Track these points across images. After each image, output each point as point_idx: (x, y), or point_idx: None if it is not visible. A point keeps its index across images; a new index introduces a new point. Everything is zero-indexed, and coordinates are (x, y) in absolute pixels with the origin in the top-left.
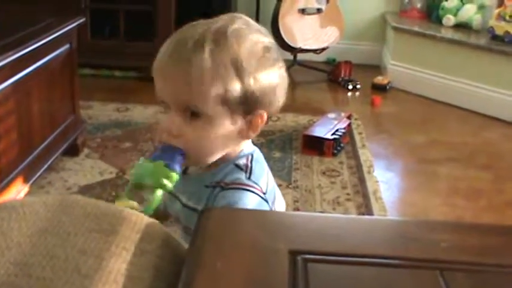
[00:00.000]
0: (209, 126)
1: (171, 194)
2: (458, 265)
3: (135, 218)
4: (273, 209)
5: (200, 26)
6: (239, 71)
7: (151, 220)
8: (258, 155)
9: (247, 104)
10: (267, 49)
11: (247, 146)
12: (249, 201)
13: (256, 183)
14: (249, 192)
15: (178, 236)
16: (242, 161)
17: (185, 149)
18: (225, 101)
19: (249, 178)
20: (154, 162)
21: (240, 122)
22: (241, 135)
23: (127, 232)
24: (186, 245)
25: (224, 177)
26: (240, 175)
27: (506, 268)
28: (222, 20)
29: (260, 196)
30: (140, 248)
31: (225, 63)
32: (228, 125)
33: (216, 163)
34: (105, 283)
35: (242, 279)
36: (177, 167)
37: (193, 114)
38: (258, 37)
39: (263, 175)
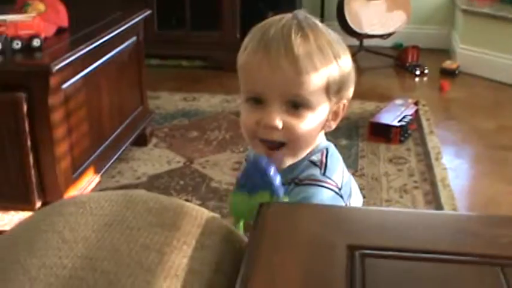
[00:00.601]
0: (312, 115)
1: None
2: None
3: (196, 213)
4: (348, 203)
5: (285, 21)
6: (337, 60)
7: (212, 215)
8: (333, 149)
9: (340, 90)
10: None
11: (322, 141)
12: (324, 196)
13: (330, 179)
14: (323, 188)
15: None
16: (317, 157)
17: (289, 141)
18: (327, 88)
19: (324, 174)
20: (258, 195)
21: (330, 112)
22: (325, 125)
23: (188, 227)
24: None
25: (299, 173)
26: (315, 171)
27: None
28: (295, 13)
29: (335, 191)
30: (201, 242)
31: (327, 52)
32: (324, 114)
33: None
34: (167, 277)
35: (299, 274)
36: (281, 192)
37: (295, 105)
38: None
39: (338, 170)
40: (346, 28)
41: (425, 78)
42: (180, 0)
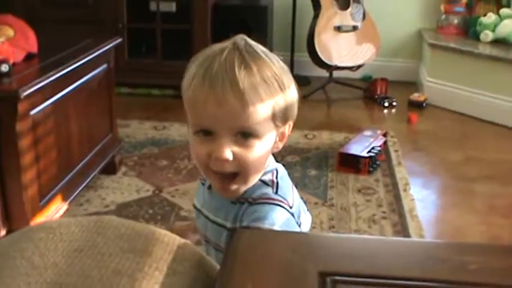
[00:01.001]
0: (260, 143)
1: (197, 211)
2: (487, 287)
3: (167, 239)
4: (299, 222)
5: (223, 51)
6: (281, 87)
7: (184, 241)
8: (283, 170)
9: (286, 116)
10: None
11: (271, 162)
12: (278, 215)
13: (283, 198)
14: (277, 207)
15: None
16: (268, 177)
17: (240, 170)
18: (273, 116)
19: (276, 193)
20: None
21: (277, 135)
22: (273, 147)
23: (160, 253)
24: (217, 263)
25: (251, 193)
26: (267, 190)
27: None
28: (236, 40)
29: (288, 210)
30: (172, 268)
31: (271, 81)
32: (272, 139)
33: None
34: None
35: None
36: None
37: (245, 136)
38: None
39: (289, 190)
40: (316, 60)
41: (393, 110)
42: (150, 28)
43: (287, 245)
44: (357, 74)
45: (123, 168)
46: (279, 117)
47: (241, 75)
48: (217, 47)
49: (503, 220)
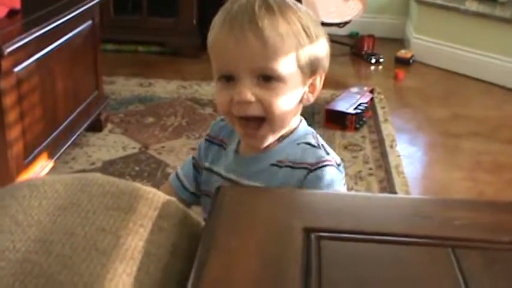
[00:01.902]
0: (285, 87)
1: (216, 174)
2: (471, 243)
3: (152, 196)
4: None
5: None
6: (307, 32)
7: (169, 198)
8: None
9: (313, 65)
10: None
11: (304, 124)
12: (339, 176)
13: (334, 158)
14: (335, 168)
15: None
16: (312, 140)
17: (266, 115)
18: (298, 61)
19: (328, 154)
20: None
21: (305, 85)
22: (303, 99)
23: (144, 210)
24: None
25: (302, 158)
26: (320, 152)
27: None
28: None
29: (341, 170)
30: (157, 225)
31: (295, 23)
32: (299, 87)
33: (277, 140)
34: (122, 260)
35: (256, 257)
36: None
37: (267, 78)
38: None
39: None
40: None
41: (380, 67)
42: None
43: (272, 201)
44: (344, 31)
45: (109, 126)
46: (306, 64)
47: (261, 13)
48: None
49: (488, 176)
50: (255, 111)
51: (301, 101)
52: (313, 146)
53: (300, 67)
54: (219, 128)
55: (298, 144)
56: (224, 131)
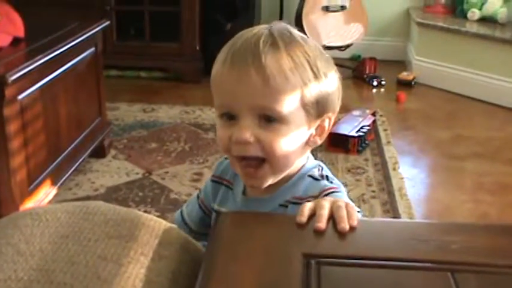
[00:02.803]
0: (287, 128)
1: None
2: (469, 266)
3: (153, 224)
4: None
5: (256, 31)
6: (314, 70)
7: (169, 225)
8: (324, 166)
9: (321, 106)
10: (324, 51)
11: (311, 159)
12: (343, 198)
13: (338, 185)
14: (340, 193)
15: None
16: (316, 173)
17: (267, 157)
18: (302, 102)
19: (331, 183)
20: None
21: (311, 127)
22: (309, 141)
23: (145, 237)
24: None
25: (306, 192)
26: (323, 183)
27: None
28: (274, 24)
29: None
30: (158, 253)
31: (301, 61)
32: (304, 128)
33: (284, 179)
34: None
35: (256, 283)
36: None
37: (268, 119)
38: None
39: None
40: None
41: (382, 89)
42: (139, 11)
43: (271, 227)
44: (346, 54)
45: (112, 152)
46: (312, 104)
47: (265, 48)
48: (252, 28)
49: (491, 197)
50: (254, 151)
51: (307, 143)
52: (316, 179)
53: (305, 108)
54: (224, 168)
55: (308, 178)
56: (229, 171)
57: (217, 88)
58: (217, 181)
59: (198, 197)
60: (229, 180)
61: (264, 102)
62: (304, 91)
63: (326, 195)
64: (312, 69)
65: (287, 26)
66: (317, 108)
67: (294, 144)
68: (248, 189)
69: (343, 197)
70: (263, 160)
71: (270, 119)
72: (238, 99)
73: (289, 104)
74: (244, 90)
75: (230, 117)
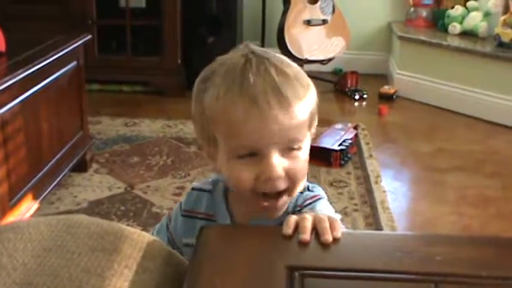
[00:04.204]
0: (302, 152)
1: None
2: (453, 278)
3: (137, 237)
4: None
5: (244, 59)
6: (308, 83)
7: (153, 238)
8: None
9: (313, 119)
10: None
11: None
12: (327, 205)
13: (319, 192)
14: (322, 199)
15: None
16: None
17: (291, 184)
18: (310, 122)
19: (312, 191)
20: None
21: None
22: None
23: (129, 250)
24: None
25: (292, 206)
26: (305, 193)
27: (499, 280)
28: (250, 48)
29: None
30: (142, 266)
31: (302, 78)
32: (308, 146)
33: None
34: None
35: None
36: None
37: (291, 148)
38: None
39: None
40: (286, 54)
41: (364, 103)
42: (120, 25)
43: (255, 239)
44: (328, 68)
45: (94, 166)
46: (312, 122)
47: (283, 84)
48: (231, 57)
49: (473, 210)
50: (284, 184)
51: None
52: (300, 192)
53: (310, 129)
54: (195, 200)
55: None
56: (204, 203)
57: (234, 130)
58: (190, 215)
59: (167, 227)
60: (207, 213)
61: (290, 135)
62: (311, 113)
63: (310, 203)
64: (310, 87)
65: (263, 49)
66: (311, 122)
67: (307, 164)
68: (238, 217)
69: (325, 203)
70: (284, 190)
71: (291, 148)
72: (264, 139)
73: (306, 131)
74: (273, 130)
75: (251, 154)
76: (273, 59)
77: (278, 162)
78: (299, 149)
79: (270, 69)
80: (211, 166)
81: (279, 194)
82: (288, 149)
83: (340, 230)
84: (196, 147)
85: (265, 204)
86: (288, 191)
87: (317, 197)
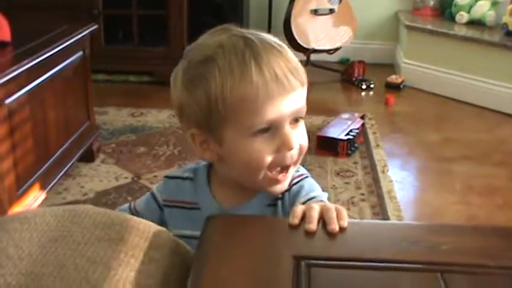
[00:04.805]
0: (303, 122)
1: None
2: (459, 267)
3: (143, 227)
4: None
5: (243, 41)
6: None
7: (159, 228)
8: None
9: None
10: None
11: None
12: (315, 183)
13: (304, 171)
14: (308, 177)
15: None
16: None
17: (299, 155)
18: None
19: (297, 171)
20: None
21: None
22: None
23: (135, 240)
24: None
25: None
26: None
27: (505, 270)
28: (240, 30)
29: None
30: (148, 256)
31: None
32: None
33: None
34: None
35: (247, 285)
36: None
37: (297, 119)
38: None
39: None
40: (293, 43)
41: (371, 93)
42: (127, 15)
43: (261, 229)
44: (334, 57)
45: (101, 156)
46: None
47: (291, 58)
48: (219, 40)
49: (480, 199)
50: (296, 155)
51: None
52: None
53: None
54: (174, 188)
55: None
56: (186, 190)
57: (256, 107)
58: (169, 205)
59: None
60: (187, 201)
61: (300, 105)
62: None
63: (298, 182)
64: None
65: (239, 28)
66: None
67: None
68: (224, 201)
69: (312, 180)
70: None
71: (298, 119)
72: (283, 111)
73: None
74: (290, 100)
75: (266, 130)
76: (264, 36)
77: (292, 133)
78: (303, 118)
79: (272, 46)
80: (207, 155)
81: (288, 165)
82: (294, 120)
83: (346, 219)
84: (190, 137)
85: (282, 177)
86: (297, 161)
87: (303, 176)
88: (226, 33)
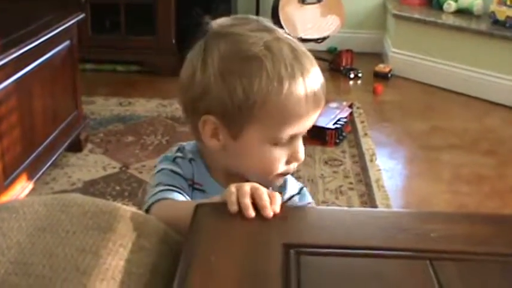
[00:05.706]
0: None
1: None
2: (448, 254)
3: (132, 215)
4: None
5: (277, 41)
6: None
7: (148, 217)
8: None
9: None
10: None
11: None
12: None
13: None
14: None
15: None
16: None
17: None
18: None
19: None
20: None
21: None
22: None
23: (124, 229)
24: None
25: (290, 189)
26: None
27: (494, 256)
28: (281, 32)
29: None
30: (138, 244)
31: None
32: None
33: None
34: (103, 280)
35: (236, 273)
36: None
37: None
38: None
39: None
40: None
41: (359, 82)
42: (114, 4)
43: (251, 218)
44: (322, 46)
45: (89, 146)
46: None
47: (320, 76)
48: (274, 40)
49: (468, 188)
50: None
51: None
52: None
53: None
54: (187, 167)
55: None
56: (193, 170)
57: (292, 119)
58: (192, 185)
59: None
60: (198, 182)
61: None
62: None
63: (301, 188)
64: None
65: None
66: None
67: None
68: (226, 186)
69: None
70: None
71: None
72: (305, 127)
73: None
74: (314, 117)
75: (284, 142)
76: (301, 45)
77: (302, 146)
78: None
79: (311, 60)
80: (212, 143)
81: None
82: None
83: (279, 203)
84: (201, 122)
85: (281, 180)
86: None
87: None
88: (267, 32)
